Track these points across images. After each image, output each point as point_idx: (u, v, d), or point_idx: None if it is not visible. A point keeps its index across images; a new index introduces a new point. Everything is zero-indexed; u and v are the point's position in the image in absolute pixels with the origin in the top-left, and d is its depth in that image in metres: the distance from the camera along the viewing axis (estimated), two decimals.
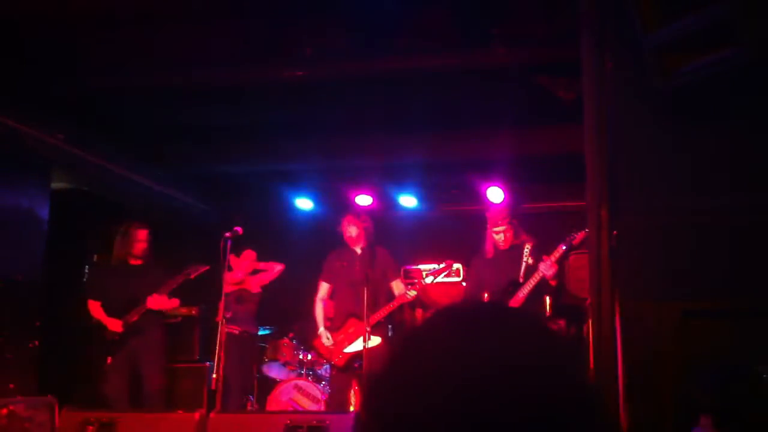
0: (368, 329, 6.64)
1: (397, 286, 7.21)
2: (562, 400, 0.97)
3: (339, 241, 7.40)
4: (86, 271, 8.84)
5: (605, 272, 4.35)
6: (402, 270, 8.42)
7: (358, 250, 7.22)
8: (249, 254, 8.06)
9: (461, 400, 0.95)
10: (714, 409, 3.30)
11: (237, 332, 7.75)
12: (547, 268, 6.51)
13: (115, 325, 6.85)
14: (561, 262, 6.64)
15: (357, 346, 6.88)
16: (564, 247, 6.61)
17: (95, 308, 6.99)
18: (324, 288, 7.35)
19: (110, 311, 6.93)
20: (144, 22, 5.47)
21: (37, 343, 7.57)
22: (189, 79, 6.47)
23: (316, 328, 7.30)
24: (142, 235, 7.12)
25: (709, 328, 3.93)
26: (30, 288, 7.49)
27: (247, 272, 8.10)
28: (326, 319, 7.33)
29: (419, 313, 9.22)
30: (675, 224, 4.10)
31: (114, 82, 6.54)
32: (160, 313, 7.05)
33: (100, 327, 6.94)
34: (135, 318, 6.86)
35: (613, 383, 4.05)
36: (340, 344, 7.05)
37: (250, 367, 8.17)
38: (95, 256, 8.99)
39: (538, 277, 6.53)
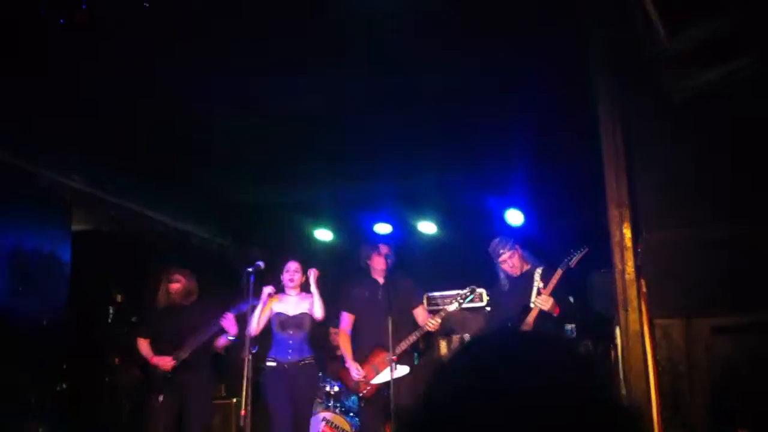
0: (394, 358, 6.59)
1: (421, 314, 7.15)
2: (595, 425, 0.96)
3: (359, 271, 7.37)
4: (110, 311, 8.88)
5: (631, 289, 4.32)
6: (425, 297, 8.38)
7: (381, 280, 7.18)
8: (297, 267, 7.32)
9: (494, 428, 0.94)
10: (750, 422, 3.25)
11: (274, 365, 7.07)
12: (543, 303, 6.45)
13: (165, 362, 6.99)
14: (559, 290, 6.51)
15: (384, 376, 6.80)
16: (561, 273, 6.53)
17: (144, 346, 7.17)
18: (348, 319, 7.27)
19: (159, 350, 7.09)
20: (156, 56, 5.51)
21: (64, 386, 7.60)
22: (205, 111, 6.53)
23: (344, 360, 7.20)
24: (175, 281, 7.29)
25: (739, 342, 3.87)
26: (55, 331, 7.52)
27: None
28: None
29: (444, 339, 9.17)
30: (698, 237, 4.06)
31: (131, 118, 6.60)
32: (209, 351, 7.14)
33: (146, 366, 7.10)
34: (186, 355, 6.98)
35: (646, 400, 4.01)
36: (367, 376, 6.98)
37: (301, 403, 6.98)
38: (119, 296, 9.04)
39: (537, 309, 6.49)
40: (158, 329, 7.20)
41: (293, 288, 7.26)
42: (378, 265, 7.17)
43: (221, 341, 7.14)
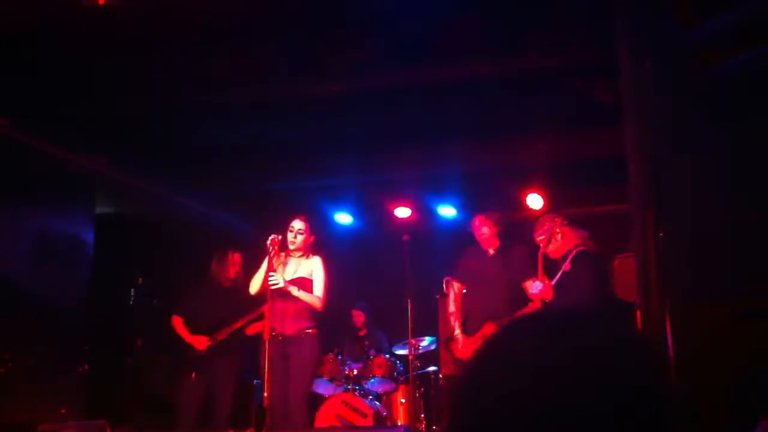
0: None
1: (530, 287, 6.51)
2: (645, 407, 0.96)
3: (471, 241, 7.06)
4: (132, 293, 8.96)
5: (653, 274, 4.30)
6: (444, 281, 8.30)
7: (491, 251, 6.99)
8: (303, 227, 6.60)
9: (541, 404, 0.95)
10: None
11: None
12: (543, 292, 6.16)
13: (201, 342, 6.99)
14: (562, 277, 6.19)
15: None
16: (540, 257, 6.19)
17: (178, 324, 7.16)
18: (456, 287, 6.99)
19: (196, 329, 7.08)
20: (180, 45, 5.54)
21: (86, 367, 7.68)
22: (226, 99, 6.54)
23: (451, 330, 6.91)
24: (237, 258, 7.31)
25: (763, 328, 3.85)
26: (77, 313, 7.59)
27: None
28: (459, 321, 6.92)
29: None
30: (721, 223, 4.04)
31: (154, 104, 6.62)
32: (242, 335, 7.16)
33: (180, 344, 7.12)
34: (223, 336, 6.99)
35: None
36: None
37: (299, 381, 6.34)
38: (139, 279, 9.11)
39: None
40: (197, 308, 7.19)
41: (296, 250, 6.49)
42: (484, 235, 6.91)
43: (256, 327, 7.13)
